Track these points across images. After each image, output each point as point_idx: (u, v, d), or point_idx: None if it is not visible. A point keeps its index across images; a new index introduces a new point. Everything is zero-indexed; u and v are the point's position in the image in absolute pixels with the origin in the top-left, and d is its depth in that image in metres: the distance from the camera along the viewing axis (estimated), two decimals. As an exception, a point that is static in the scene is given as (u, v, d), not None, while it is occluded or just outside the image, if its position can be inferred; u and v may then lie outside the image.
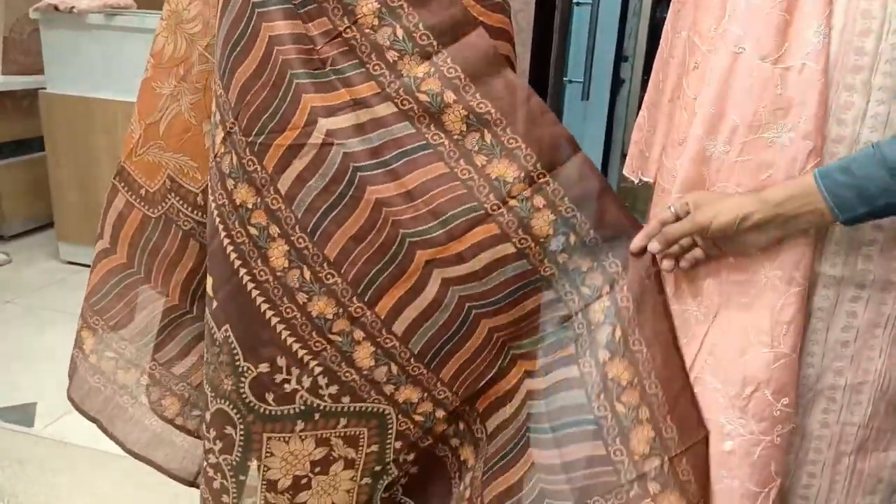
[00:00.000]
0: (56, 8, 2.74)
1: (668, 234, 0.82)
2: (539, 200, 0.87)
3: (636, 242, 0.85)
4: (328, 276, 0.89)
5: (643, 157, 0.99)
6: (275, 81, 0.87)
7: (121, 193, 1.10)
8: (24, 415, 2.07)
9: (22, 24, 3.21)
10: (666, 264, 0.84)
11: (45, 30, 2.88)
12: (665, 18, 0.94)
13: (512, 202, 0.86)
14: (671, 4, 0.93)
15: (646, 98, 0.99)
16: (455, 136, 0.86)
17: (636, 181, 1.01)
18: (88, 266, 3.13)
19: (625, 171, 1.04)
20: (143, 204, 1.09)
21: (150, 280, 1.10)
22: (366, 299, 0.89)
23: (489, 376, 0.93)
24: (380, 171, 0.87)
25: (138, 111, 1.08)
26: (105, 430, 1.17)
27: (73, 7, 2.74)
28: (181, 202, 1.07)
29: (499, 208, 0.87)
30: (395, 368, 0.91)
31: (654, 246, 0.83)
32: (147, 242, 1.09)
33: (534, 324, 0.91)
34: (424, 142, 0.87)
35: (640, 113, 1.00)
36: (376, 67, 0.86)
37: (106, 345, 1.13)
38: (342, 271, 0.88)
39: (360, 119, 0.86)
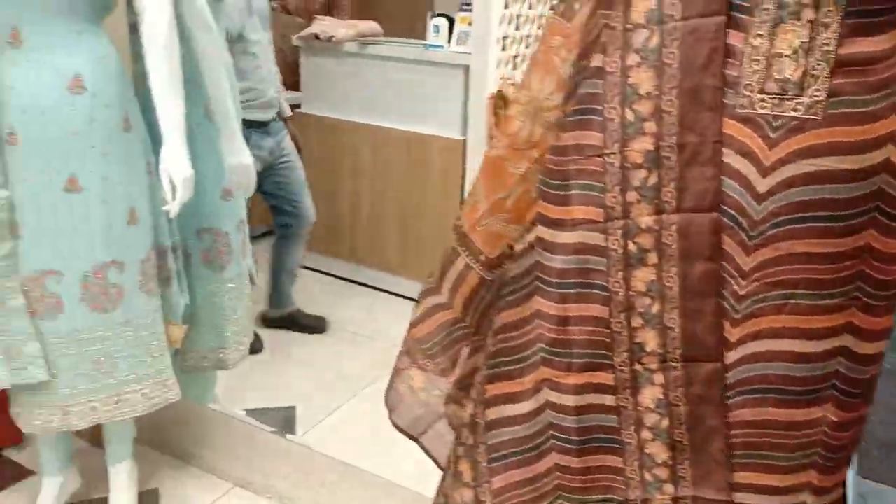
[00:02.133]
0: (317, 37, 2.98)
1: None
2: None
3: None
4: None
5: None
6: None
7: (462, 257, 1.17)
8: (284, 418, 2.28)
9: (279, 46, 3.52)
10: None
11: (305, 56, 3.15)
12: None
13: None
14: None
15: None
16: None
17: None
18: (328, 274, 3.38)
19: None
20: (481, 268, 1.16)
21: (478, 333, 1.18)
22: None
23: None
24: None
25: (485, 185, 1.14)
26: (424, 450, 1.30)
27: (332, 36, 2.96)
28: (511, 265, 1.13)
29: None
30: None
31: None
32: (480, 301, 1.17)
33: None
34: None
35: None
36: None
37: (433, 384, 1.24)
38: None
39: None
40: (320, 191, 3.21)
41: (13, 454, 1.99)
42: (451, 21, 2.91)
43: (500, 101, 2.77)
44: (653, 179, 0.93)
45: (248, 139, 2.32)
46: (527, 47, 3.07)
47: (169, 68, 1.43)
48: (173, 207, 1.47)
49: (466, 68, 2.80)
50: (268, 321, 2.81)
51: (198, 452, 2.02)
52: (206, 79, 1.57)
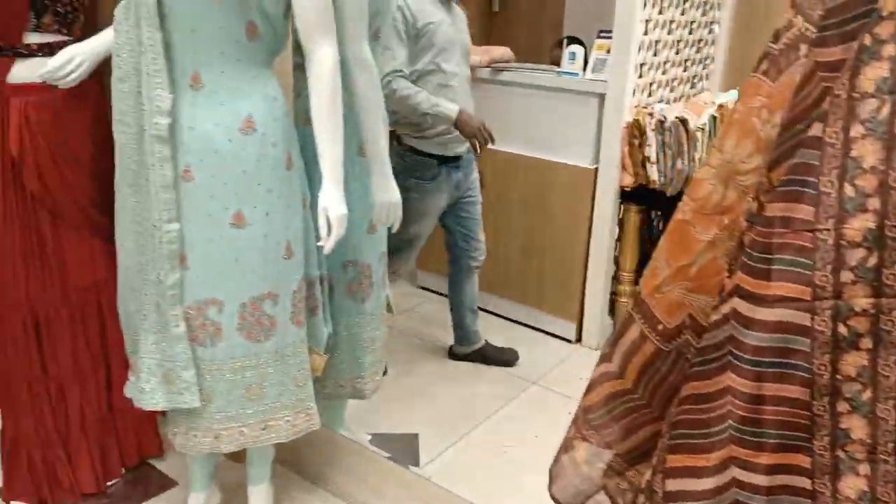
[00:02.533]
0: (450, 62, 2.99)
1: None
2: None
3: None
4: None
5: None
6: None
7: (636, 325, 1.11)
8: (408, 446, 2.29)
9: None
10: None
11: (437, 81, 3.17)
12: None
13: None
14: None
15: None
16: None
17: None
18: (440, 293, 3.39)
19: None
20: (657, 338, 1.10)
21: (650, 406, 1.12)
22: None
23: None
24: None
25: (668, 250, 1.08)
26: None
27: (465, 62, 2.97)
28: (694, 337, 1.06)
29: None
30: None
31: None
32: (655, 373, 1.11)
33: None
34: None
35: None
36: None
37: (597, 457, 1.19)
38: None
39: None
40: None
41: (158, 463, 2.09)
42: (584, 47, 2.85)
43: (635, 131, 2.68)
44: (873, 260, 0.84)
45: (437, 174, 2.39)
46: (663, 73, 2.97)
47: (333, 109, 1.46)
48: (328, 244, 1.49)
49: (601, 96, 2.74)
50: (456, 356, 2.83)
51: (327, 476, 2.06)
52: (363, 118, 1.59)
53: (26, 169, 1.68)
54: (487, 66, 2.99)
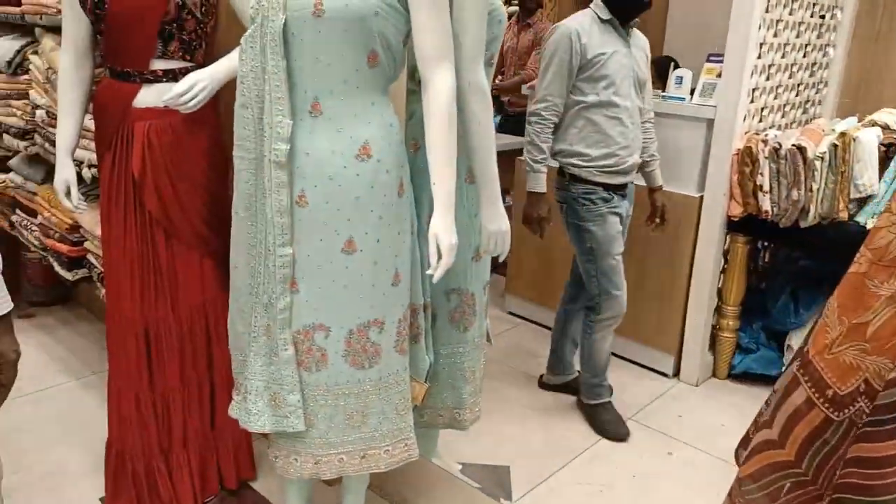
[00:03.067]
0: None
1: None
2: None
3: None
4: None
5: None
6: None
7: (802, 387, 1.00)
8: (499, 478, 2.22)
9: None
10: None
11: (534, 104, 3.12)
12: None
13: None
14: None
15: None
16: None
17: None
18: (529, 320, 3.33)
19: None
20: (827, 405, 0.98)
21: (815, 483, 1.00)
22: None
23: None
24: None
25: (841, 305, 0.97)
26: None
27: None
28: (869, 405, 0.94)
29: None
30: None
31: None
32: (823, 445, 0.99)
33: None
34: None
35: None
36: None
37: None
38: None
39: None
40: (538, 240, 3.18)
41: (253, 483, 2.11)
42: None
43: (746, 158, 2.55)
44: None
45: (609, 198, 2.34)
46: (775, 98, 2.83)
47: (449, 137, 1.44)
48: (437, 272, 1.46)
49: (709, 122, 2.63)
50: (546, 386, 2.77)
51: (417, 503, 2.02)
52: (475, 144, 1.56)
53: (146, 189, 1.74)
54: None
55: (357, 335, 1.52)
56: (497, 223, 1.62)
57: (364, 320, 1.51)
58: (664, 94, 2.73)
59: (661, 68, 3.21)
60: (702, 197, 2.69)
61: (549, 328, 2.87)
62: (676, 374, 2.88)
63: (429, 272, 1.48)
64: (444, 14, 1.41)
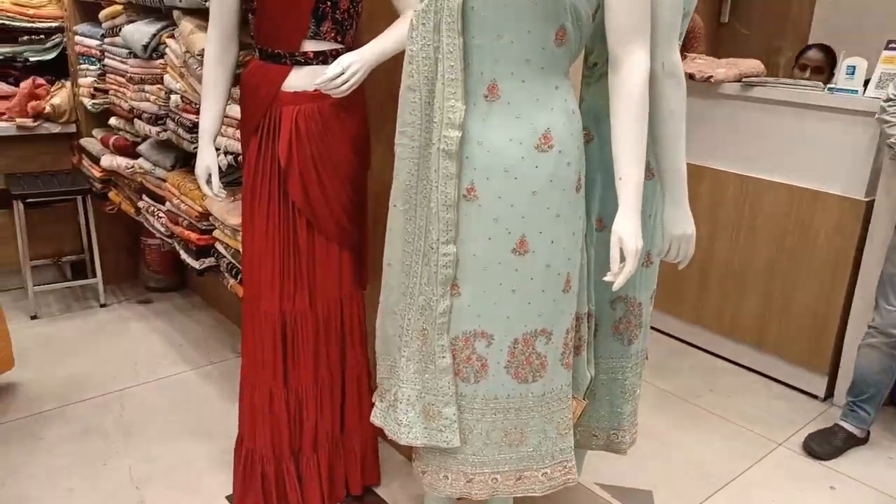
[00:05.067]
0: (692, 76, 2.71)
1: None
2: None
3: None
4: None
5: None
6: None
7: None
8: (641, 503, 2.03)
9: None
10: None
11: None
12: None
13: None
14: None
15: None
16: None
17: None
18: (664, 333, 3.07)
19: None
20: None
21: None
22: None
23: None
24: None
25: None
26: None
27: (710, 76, 2.68)
28: None
29: None
30: None
31: None
32: None
33: None
34: None
35: None
36: None
37: None
38: None
39: None
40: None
41: (380, 490, 2.00)
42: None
43: (928, 160, 2.25)
44: None
45: None
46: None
47: (641, 127, 1.26)
48: (618, 279, 1.29)
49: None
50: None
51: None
52: (664, 135, 1.38)
53: (291, 179, 1.64)
54: (736, 81, 2.67)
55: (522, 345, 1.37)
56: (683, 226, 1.43)
57: (531, 329, 1.36)
58: (832, 85, 2.45)
59: (827, 57, 2.91)
60: (871, 201, 2.40)
61: (680, 339, 2.65)
62: (829, 396, 2.60)
63: (607, 278, 1.31)
64: None
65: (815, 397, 2.62)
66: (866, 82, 2.41)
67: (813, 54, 2.95)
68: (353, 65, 1.53)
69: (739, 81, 2.67)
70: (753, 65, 2.74)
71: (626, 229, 1.27)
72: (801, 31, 3.51)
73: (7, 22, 3.03)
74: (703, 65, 2.74)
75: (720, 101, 2.73)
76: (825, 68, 2.90)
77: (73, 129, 3.15)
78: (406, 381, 1.44)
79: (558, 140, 1.28)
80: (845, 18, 3.34)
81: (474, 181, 1.30)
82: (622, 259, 1.28)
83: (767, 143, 2.61)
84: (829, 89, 2.45)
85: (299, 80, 1.61)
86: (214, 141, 1.79)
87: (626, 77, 1.26)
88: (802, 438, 2.34)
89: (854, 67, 2.39)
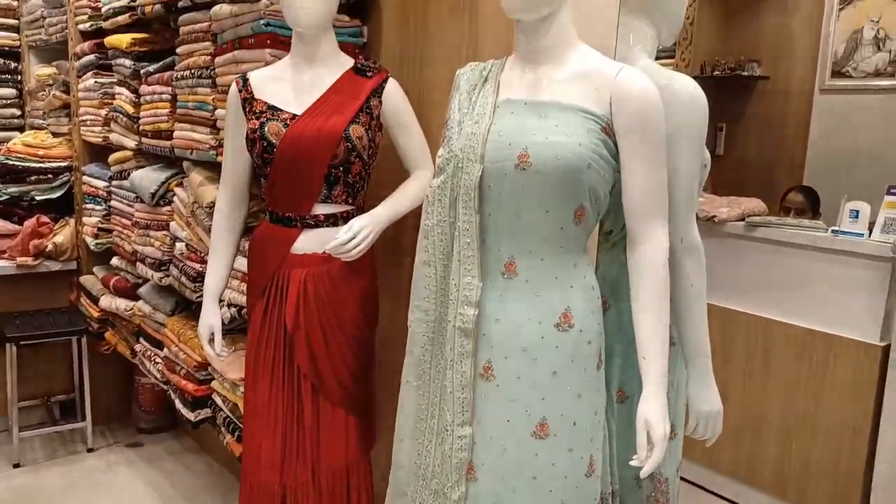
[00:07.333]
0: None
1: None
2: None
3: None
4: None
5: None
6: None
7: None
8: None
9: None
10: None
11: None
12: None
13: None
14: None
15: None
16: None
17: None
18: (699, 486, 2.89)
19: None
20: None
21: None
22: None
23: None
24: None
25: None
26: None
27: (713, 216, 2.69)
28: None
29: None
30: None
31: None
32: None
33: None
34: None
35: None
36: None
37: None
38: None
39: None
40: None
41: None
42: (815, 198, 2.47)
43: (943, 305, 2.22)
44: None
45: None
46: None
47: (664, 306, 1.22)
48: (647, 466, 1.20)
49: (894, 261, 2.33)
50: None
51: None
52: (686, 311, 1.34)
53: (297, 343, 1.59)
54: (739, 221, 2.69)
55: (544, 535, 1.26)
56: (710, 403, 1.37)
57: (553, 518, 1.26)
58: (836, 228, 2.46)
59: (809, 199, 2.97)
60: (887, 346, 2.35)
61: (719, 496, 2.50)
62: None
63: (634, 463, 1.22)
64: (662, 169, 1.23)
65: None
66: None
67: (793, 196, 3.01)
68: (364, 229, 1.51)
69: (742, 220, 2.68)
70: (755, 205, 2.77)
71: (654, 413, 1.20)
72: (795, 168, 3.60)
73: (17, 163, 3.08)
74: (705, 203, 2.77)
75: (725, 240, 2.73)
76: (807, 210, 2.94)
77: (73, 266, 3.13)
78: (418, 573, 1.32)
79: (578, 318, 1.24)
80: (836, 162, 3.44)
81: (492, 360, 1.25)
82: (649, 443, 1.21)
83: (775, 284, 2.58)
84: (833, 232, 2.45)
85: (309, 242, 1.59)
86: (219, 300, 1.74)
87: (646, 256, 1.23)
88: None
89: (857, 211, 2.41)
